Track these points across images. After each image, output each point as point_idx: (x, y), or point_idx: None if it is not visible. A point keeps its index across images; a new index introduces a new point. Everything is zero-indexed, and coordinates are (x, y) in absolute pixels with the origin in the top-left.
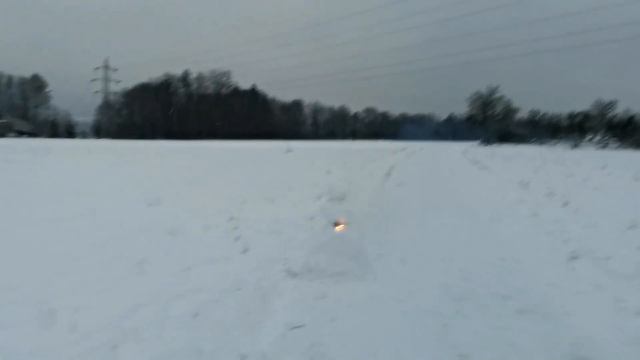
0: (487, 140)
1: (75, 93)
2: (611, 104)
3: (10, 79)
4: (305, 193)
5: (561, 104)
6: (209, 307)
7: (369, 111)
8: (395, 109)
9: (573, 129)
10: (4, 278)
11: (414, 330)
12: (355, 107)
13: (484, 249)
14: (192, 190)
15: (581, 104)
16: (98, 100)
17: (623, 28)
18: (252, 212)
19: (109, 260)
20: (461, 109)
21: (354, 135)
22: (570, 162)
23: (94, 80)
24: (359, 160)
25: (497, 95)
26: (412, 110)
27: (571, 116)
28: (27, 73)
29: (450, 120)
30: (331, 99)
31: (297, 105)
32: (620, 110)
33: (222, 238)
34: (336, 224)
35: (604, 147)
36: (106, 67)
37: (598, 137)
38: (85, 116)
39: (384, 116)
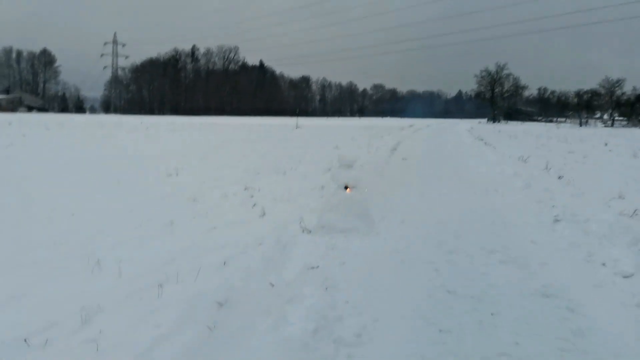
0: (495, 117)
1: (84, 68)
2: (619, 82)
3: (19, 54)
4: (315, 166)
5: (569, 82)
6: (237, 257)
7: (377, 88)
8: (403, 86)
9: (581, 106)
10: (53, 235)
11: (409, 273)
12: (364, 83)
13: (476, 214)
14: (207, 163)
15: (589, 82)
16: (107, 75)
17: (631, 6)
18: (265, 183)
19: (141, 222)
20: (469, 86)
21: (362, 112)
22: (575, 139)
23: (102, 55)
24: (366, 137)
25: (506, 72)
26: (421, 87)
27: (579, 94)
28: (37, 48)
29: (458, 97)
30: (339, 76)
31: (305, 81)
32: (628, 88)
33: (240, 205)
34: (345, 187)
35: (611, 124)
36: (115, 42)
37: (606, 115)
38: (94, 91)
39: (393, 93)
